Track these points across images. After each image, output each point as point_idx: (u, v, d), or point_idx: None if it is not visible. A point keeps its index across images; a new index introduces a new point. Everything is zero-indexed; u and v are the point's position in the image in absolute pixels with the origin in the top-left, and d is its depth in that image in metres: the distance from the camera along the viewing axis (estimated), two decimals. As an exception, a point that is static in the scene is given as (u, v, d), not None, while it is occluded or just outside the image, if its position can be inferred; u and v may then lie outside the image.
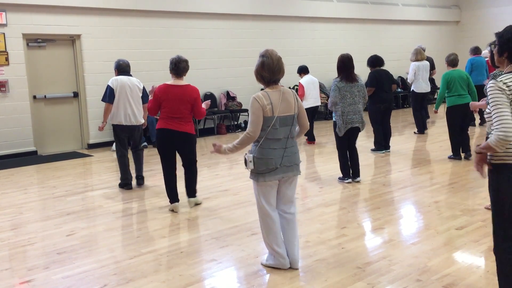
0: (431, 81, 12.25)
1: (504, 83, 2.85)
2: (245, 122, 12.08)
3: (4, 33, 9.13)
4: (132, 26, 10.60)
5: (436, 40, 17.01)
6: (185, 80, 5.70)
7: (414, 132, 10.62)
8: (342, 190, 6.41)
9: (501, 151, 2.89)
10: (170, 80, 5.71)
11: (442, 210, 5.44)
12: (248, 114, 3.94)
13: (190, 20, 11.42)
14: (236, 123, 12.18)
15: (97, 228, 5.25)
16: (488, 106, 2.91)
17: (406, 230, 4.92)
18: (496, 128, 2.81)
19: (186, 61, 5.64)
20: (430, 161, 7.98)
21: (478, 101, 7.90)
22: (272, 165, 3.81)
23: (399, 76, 15.40)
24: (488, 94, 2.90)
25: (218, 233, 4.93)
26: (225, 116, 12.05)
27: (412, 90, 10.71)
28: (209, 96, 11.63)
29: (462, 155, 7.91)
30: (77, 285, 3.87)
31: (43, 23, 9.52)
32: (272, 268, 4.01)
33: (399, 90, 15.22)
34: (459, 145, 7.88)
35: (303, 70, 9.91)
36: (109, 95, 6.57)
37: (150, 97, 5.84)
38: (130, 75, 6.78)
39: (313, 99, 9.64)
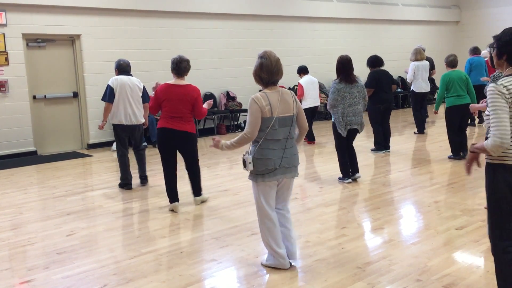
0: (431, 81, 12.25)
1: (505, 86, 2.86)
2: (245, 122, 12.06)
3: (4, 33, 9.13)
4: (132, 26, 10.60)
5: (436, 40, 17.01)
6: (186, 80, 5.71)
7: (414, 132, 10.62)
8: (342, 190, 6.41)
9: (495, 155, 2.92)
10: (170, 79, 5.73)
11: (442, 210, 5.44)
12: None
13: (190, 20, 11.42)
14: (236, 123, 12.18)
15: (97, 228, 5.25)
16: (488, 109, 2.92)
17: (406, 230, 4.92)
18: (493, 134, 2.84)
19: (187, 61, 5.66)
20: (430, 161, 7.99)
21: (477, 101, 7.94)
22: (271, 165, 3.82)
23: (399, 76, 15.40)
24: (487, 97, 2.91)
25: (218, 233, 4.93)
26: (225, 116, 12.05)
27: (412, 90, 10.71)
28: (209, 96, 11.63)
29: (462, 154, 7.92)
30: (77, 285, 3.87)
31: (43, 23, 9.52)
32: (272, 268, 4.01)
33: (399, 90, 15.22)
34: (459, 145, 7.89)
35: (302, 70, 9.91)
36: (109, 95, 6.58)
37: (153, 94, 5.85)
38: (131, 75, 6.78)
39: (312, 99, 9.64)
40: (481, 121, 11.10)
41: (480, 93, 9.06)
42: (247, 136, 3.82)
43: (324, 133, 11.06)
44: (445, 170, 7.32)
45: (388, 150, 8.71)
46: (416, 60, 10.46)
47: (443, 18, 17.36)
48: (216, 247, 4.57)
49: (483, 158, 3.06)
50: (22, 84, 9.38)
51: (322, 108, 12.40)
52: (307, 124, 4.12)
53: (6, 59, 9.18)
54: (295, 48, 13.26)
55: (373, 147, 8.83)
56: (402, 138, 10.16)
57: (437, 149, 8.82)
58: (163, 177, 5.85)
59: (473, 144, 3.05)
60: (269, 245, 3.98)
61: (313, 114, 9.89)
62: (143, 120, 6.81)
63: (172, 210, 5.71)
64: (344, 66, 6.56)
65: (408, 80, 10.89)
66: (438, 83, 8.10)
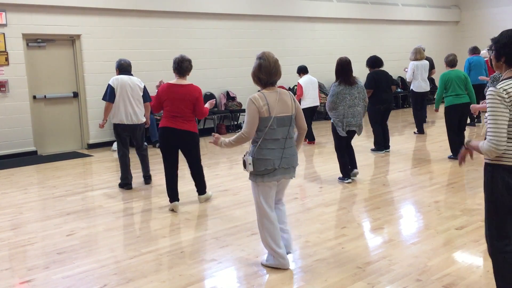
0: (431, 80, 12.26)
1: (504, 90, 2.87)
2: (245, 122, 12.05)
3: (4, 33, 9.13)
4: (132, 26, 10.60)
5: (436, 40, 17.01)
6: (187, 80, 5.73)
7: (414, 132, 10.62)
8: (342, 190, 6.41)
9: (491, 157, 2.95)
10: (170, 79, 5.74)
11: (442, 210, 5.44)
12: (247, 114, 3.98)
13: (190, 20, 11.42)
14: (236, 123, 12.18)
15: (97, 228, 5.25)
16: (487, 113, 2.95)
17: (406, 230, 4.92)
18: (489, 139, 2.88)
19: (189, 61, 5.68)
20: (430, 161, 7.99)
21: (477, 100, 7.96)
22: (271, 166, 3.83)
23: (399, 76, 15.40)
24: (487, 100, 2.93)
25: (218, 233, 4.93)
26: (225, 116, 12.05)
27: (412, 89, 10.72)
28: (209, 96, 11.63)
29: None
30: (77, 285, 3.87)
31: (43, 23, 9.52)
32: (272, 268, 4.02)
33: (399, 90, 15.22)
34: (459, 145, 7.89)
35: (302, 70, 9.91)
36: (109, 94, 6.59)
37: (156, 91, 5.87)
38: (131, 75, 6.79)
39: (311, 99, 9.64)
40: (479, 121, 11.14)
41: (480, 93, 9.06)
42: (244, 135, 3.86)
43: (324, 133, 11.06)
44: (445, 170, 7.32)
45: (388, 150, 8.71)
46: (415, 59, 10.47)
47: (443, 18, 17.36)
48: (216, 247, 4.57)
49: (480, 156, 3.07)
50: (22, 84, 9.38)
51: (322, 108, 12.41)
52: (306, 125, 4.13)
53: (6, 59, 9.18)
54: (295, 48, 13.26)
55: (373, 147, 8.83)
56: (402, 138, 10.16)
57: (437, 149, 8.82)
58: (163, 176, 5.86)
59: (469, 141, 3.10)
60: (268, 245, 3.99)
61: (312, 114, 9.90)
62: (144, 120, 6.82)
63: (172, 210, 5.72)
64: (344, 68, 6.56)
65: (407, 79, 10.91)
66: (437, 82, 8.12)
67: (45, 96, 9.80)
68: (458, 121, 7.82)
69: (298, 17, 13.32)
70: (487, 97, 2.94)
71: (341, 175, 6.82)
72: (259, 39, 12.48)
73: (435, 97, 8.29)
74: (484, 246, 4.32)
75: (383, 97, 8.47)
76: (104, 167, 8.48)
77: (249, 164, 3.85)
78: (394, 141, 9.57)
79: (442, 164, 7.69)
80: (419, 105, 10.66)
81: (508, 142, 2.92)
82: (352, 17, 14.60)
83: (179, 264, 4.21)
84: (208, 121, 11.79)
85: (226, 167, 8.13)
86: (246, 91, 11.96)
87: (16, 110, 9.35)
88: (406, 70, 10.93)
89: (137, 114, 6.69)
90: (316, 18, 13.75)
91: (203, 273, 4.02)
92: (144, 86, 6.85)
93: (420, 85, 10.50)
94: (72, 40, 10.02)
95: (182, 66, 5.63)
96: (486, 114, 2.96)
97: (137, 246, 4.65)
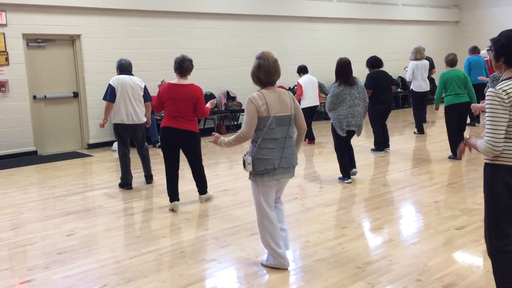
0: (431, 80, 12.27)
1: (504, 91, 2.88)
2: (245, 122, 12.05)
3: (4, 33, 9.13)
4: (132, 26, 10.60)
5: (436, 40, 17.01)
6: (188, 80, 5.74)
7: (414, 132, 10.61)
8: (342, 190, 6.41)
9: (488, 157, 2.99)
10: (170, 79, 5.75)
11: (442, 210, 5.44)
12: (247, 114, 3.98)
13: (190, 20, 11.42)
14: (236, 123, 12.18)
15: (97, 228, 5.25)
16: (485, 114, 2.96)
17: (406, 230, 4.92)
18: (486, 140, 2.91)
19: (190, 61, 5.69)
20: (430, 161, 7.99)
21: (478, 100, 7.97)
22: (270, 165, 3.83)
23: (399, 76, 15.40)
24: (486, 101, 2.94)
25: (218, 233, 4.93)
26: (225, 116, 12.05)
27: (412, 89, 10.73)
28: (209, 96, 11.63)
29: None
30: (77, 285, 3.88)
31: (43, 23, 9.52)
32: (272, 268, 4.02)
33: (399, 90, 15.22)
34: (459, 145, 7.90)
35: (302, 70, 9.91)
36: (110, 94, 6.60)
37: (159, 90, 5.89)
38: (132, 75, 6.79)
39: (311, 99, 9.64)
40: (479, 121, 11.16)
41: (480, 93, 9.06)
42: (243, 135, 3.88)
43: (324, 133, 11.06)
44: (445, 170, 7.32)
45: (387, 148, 8.73)
46: (415, 59, 10.47)
47: (443, 18, 17.36)
48: (216, 247, 4.57)
49: (480, 156, 3.08)
50: (22, 84, 9.38)
51: (322, 108, 12.41)
52: (305, 124, 4.14)
53: (6, 59, 9.18)
54: (295, 48, 13.26)
55: (373, 147, 8.83)
56: (402, 138, 10.16)
57: (437, 149, 8.82)
58: (163, 177, 5.87)
59: (468, 138, 3.15)
60: (268, 245, 3.99)
61: (312, 113, 9.89)
62: (145, 119, 6.83)
63: (172, 210, 5.72)
64: (344, 69, 6.57)
65: (407, 79, 10.92)
66: (437, 82, 8.14)
67: (45, 96, 9.80)
68: (458, 120, 7.83)
69: (298, 17, 13.32)
70: (486, 97, 2.95)
71: (341, 175, 6.82)
72: (259, 39, 12.48)
73: (435, 96, 8.31)
74: (484, 246, 4.31)
75: (383, 97, 8.47)
76: (104, 167, 8.48)
77: (249, 164, 3.86)
78: (394, 141, 9.57)
79: (442, 164, 7.69)
80: (419, 105, 10.66)
81: (508, 142, 2.92)
82: (352, 17, 14.60)
83: (179, 264, 4.21)
84: (208, 121, 11.79)
85: (226, 167, 8.13)
86: (246, 91, 11.94)
87: (16, 110, 9.35)
88: (406, 69, 10.93)
89: (138, 114, 6.69)
90: (316, 18, 13.75)
91: (203, 273, 4.03)
92: (145, 86, 6.85)
93: (420, 85, 10.51)
94: (72, 40, 10.02)
95: (183, 66, 5.64)
96: (485, 115, 2.97)
97: (137, 246, 4.65)
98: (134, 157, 7.13)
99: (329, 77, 12.86)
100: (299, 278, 3.88)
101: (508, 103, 2.86)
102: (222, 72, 12.02)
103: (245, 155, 3.94)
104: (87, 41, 10.04)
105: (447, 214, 5.28)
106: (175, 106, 5.57)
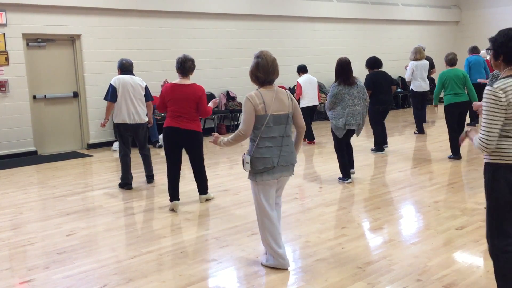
0: (431, 80, 12.27)
1: (502, 89, 2.88)
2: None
3: (4, 33, 9.13)
4: (132, 26, 10.60)
5: (436, 40, 17.01)
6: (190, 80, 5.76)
7: (414, 132, 10.62)
8: (342, 190, 6.41)
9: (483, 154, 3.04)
10: (170, 79, 5.76)
11: (442, 210, 5.44)
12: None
13: (190, 20, 11.42)
14: (236, 123, 12.17)
15: (97, 228, 5.25)
16: (482, 112, 2.97)
17: (406, 230, 4.92)
18: (480, 137, 2.94)
19: (192, 60, 5.71)
20: (430, 161, 7.99)
21: (479, 99, 7.97)
22: (269, 164, 3.84)
23: (399, 76, 15.40)
24: (483, 99, 2.95)
25: (218, 233, 4.93)
26: (225, 116, 12.06)
27: (412, 89, 10.73)
28: (210, 96, 11.62)
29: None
30: (77, 285, 3.88)
31: (43, 23, 9.52)
32: (272, 268, 4.02)
33: (399, 90, 15.22)
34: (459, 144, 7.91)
35: (301, 69, 9.91)
36: (111, 94, 6.60)
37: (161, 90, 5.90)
38: (133, 74, 6.80)
39: (310, 98, 9.64)
40: (478, 121, 11.17)
41: (480, 93, 9.05)
42: (241, 133, 3.89)
43: (324, 133, 11.06)
44: (445, 170, 7.32)
45: (386, 146, 8.75)
46: (415, 59, 10.47)
47: (443, 18, 17.36)
48: (216, 247, 4.57)
49: (480, 156, 3.08)
50: (22, 84, 9.38)
51: (322, 108, 12.40)
52: (304, 123, 4.14)
53: (6, 59, 9.18)
54: (295, 48, 13.26)
55: (373, 147, 8.83)
56: (402, 138, 10.16)
57: (437, 149, 8.82)
58: (164, 177, 5.87)
59: (469, 131, 3.20)
60: (268, 245, 3.99)
61: (311, 113, 9.89)
62: (146, 119, 6.83)
63: (172, 209, 5.72)
64: (343, 69, 6.57)
65: (406, 79, 10.93)
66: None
67: (45, 96, 9.80)
68: (458, 119, 7.84)
69: (298, 17, 13.31)
70: (484, 95, 2.96)
71: (341, 175, 6.82)
72: (259, 39, 12.47)
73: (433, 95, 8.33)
74: (484, 246, 4.32)
75: (382, 98, 8.48)
76: (104, 167, 8.48)
77: (247, 163, 3.88)
78: (394, 141, 9.58)
79: (442, 164, 7.69)
80: (419, 105, 10.66)
81: (507, 140, 2.92)
82: (352, 17, 14.60)
83: (179, 264, 4.21)
84: (208, 121, 11.79)
85: (226, 167, 8.13)
86: (246, 91, 11.71)
87: (16, 110, 9.35)
88: (407, 68, 10.93)
89: (139, 113, 6.69)
90: (316, 18, 13.75)
91: (203, 273, 4.03)
92: (146, 86, 6.85)
93: (420, 85, 10.51)
94: (72, 40, 10.02)
95: (185, 66, 5.65)
96: (482, 112, 2.98)
97: (137, 246, 4.65)
98: (135, 157, 7.14)
99: (329, 77, 12.86)
100: (299, 278, 3.88)
101: (505, 101, 2.87)
102: (222, 72, 12.02)
103: (244, 154, 3.95)
104: (87, 41, 10.04)
105: (447, 214, 5.28)
106: (177, 106, 5.59)
